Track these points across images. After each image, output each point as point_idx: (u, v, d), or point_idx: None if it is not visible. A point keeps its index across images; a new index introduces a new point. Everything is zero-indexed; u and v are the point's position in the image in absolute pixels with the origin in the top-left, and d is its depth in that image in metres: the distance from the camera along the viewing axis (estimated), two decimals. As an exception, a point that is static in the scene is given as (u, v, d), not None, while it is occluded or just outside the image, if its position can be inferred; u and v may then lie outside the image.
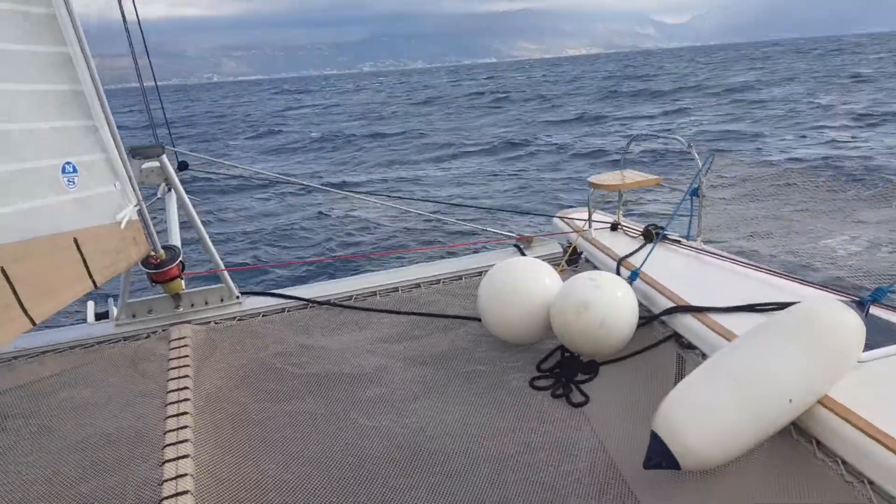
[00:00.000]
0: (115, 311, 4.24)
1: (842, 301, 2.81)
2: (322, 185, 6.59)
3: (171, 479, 2.62)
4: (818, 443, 2.41)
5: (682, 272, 3.93)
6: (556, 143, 24.23)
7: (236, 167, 6.02)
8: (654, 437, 2.52)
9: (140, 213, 3.63)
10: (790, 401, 2.38)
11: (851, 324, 2.53)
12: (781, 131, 22.02)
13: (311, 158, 26.30)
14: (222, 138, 37.40)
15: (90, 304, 4.46)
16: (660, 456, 2.49)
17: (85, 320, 4.34)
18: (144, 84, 4.12)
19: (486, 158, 21.91)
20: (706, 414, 2.44)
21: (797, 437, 2.49)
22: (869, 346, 2.61)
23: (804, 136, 20.44)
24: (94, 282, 3.10)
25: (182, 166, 4.60)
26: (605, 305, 3.32)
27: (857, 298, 2.93)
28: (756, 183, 4.23)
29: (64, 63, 3.03)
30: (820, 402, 2.44)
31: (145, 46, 4.07)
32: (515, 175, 18.43)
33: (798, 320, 2.57)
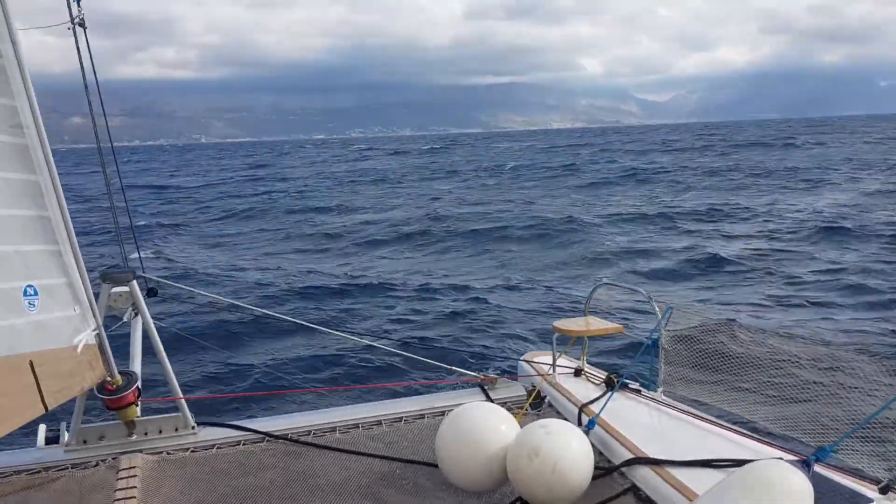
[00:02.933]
0: (66, 436, 4.14)
1: (789, 461, 2.86)
2: (291, 318, 6.63)
3: None
4: None
5: (641, 423, 3.95)
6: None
7: (206, 296, 6.06)
8: None
9: (98, 337, 3.61)
10: None
11: (800, 487, 2.58)
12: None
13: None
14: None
15: (41, 428, 4.36)
16: None
17: (35, 443, 4.22)
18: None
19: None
20: None
21: None
22: None
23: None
24: (45, 406, 3.05)
25: (151, 293, 4.64)
26: (557, 452, 3.29)
27: (802, 458, 2.99)
28: (716, 336, 4.34)
29: (33, 190, 3.10)
30: None
31: (114, 155, 4.20)
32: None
33: (751, 484, 2.61)
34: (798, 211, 26.32)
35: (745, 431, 3.63)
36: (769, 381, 3.61)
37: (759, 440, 3.49)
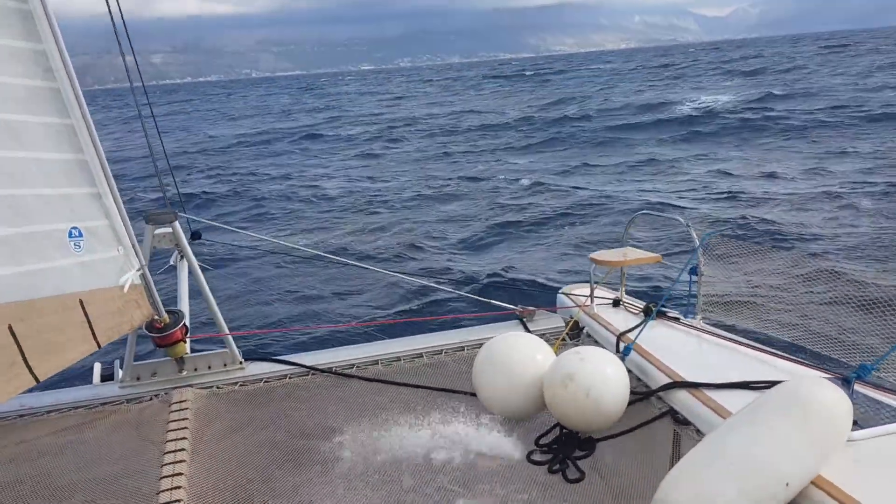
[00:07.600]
0: (120, 373, 4.31)
1: (828, 379, 2.83)
2: (333, 255, 6.73)
3: None
4: None
5: (679, 348, 3.95)
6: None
7: (250, 235, 6.15)
8: None
9: (143, 277, 3.71)
10: (787, 485, 2.36)
11: (839, 402, 2.55)
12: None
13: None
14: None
15: (97, 366, 4.55)
16: None
17: (91, 381, 4.41)
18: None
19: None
20: (706, 501, 2.39)
21: None
22: (856, 423, 2.62)
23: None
24: (97, 342, 3.18)
25: (195, 236, 4.74)
26: (591, 377, 3.32)
27: (842, 376, 2.94)
28: (755, 260, 4.29)
29: (69, 134, 3.17)
30: (815, 484, 2.42)
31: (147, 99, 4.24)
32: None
33: (787, 399, 2.58)
34: None
35: (786, 355, 3.58)
36: (810, 303, 3.57)
37: (800, 363, 3.45)
